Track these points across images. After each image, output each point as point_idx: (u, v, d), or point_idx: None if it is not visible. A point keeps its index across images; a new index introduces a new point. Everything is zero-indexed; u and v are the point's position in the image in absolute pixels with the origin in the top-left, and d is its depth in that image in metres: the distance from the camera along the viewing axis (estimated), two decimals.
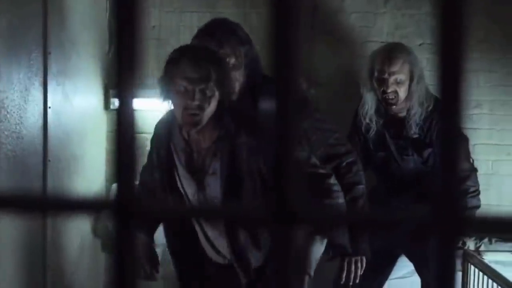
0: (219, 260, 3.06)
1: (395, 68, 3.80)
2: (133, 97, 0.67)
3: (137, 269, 3.09)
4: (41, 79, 3.30)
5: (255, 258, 2.94)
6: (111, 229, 0.69)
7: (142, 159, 3.15)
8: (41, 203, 0.73)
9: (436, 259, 0.65)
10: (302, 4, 0.64)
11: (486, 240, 4.31)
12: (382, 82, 3.82)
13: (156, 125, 3.11)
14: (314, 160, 3.02)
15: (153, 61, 4.49)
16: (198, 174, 2.94)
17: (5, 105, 2.89)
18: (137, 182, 0.68)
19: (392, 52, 3.85)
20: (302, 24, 0.64)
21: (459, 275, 3.99)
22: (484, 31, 4.56)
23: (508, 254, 4.22)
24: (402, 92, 3.82)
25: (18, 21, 3.04)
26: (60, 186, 3.59)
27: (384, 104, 3.87)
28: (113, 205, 0.68)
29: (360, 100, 3.98)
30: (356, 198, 3.27)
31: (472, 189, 3.83)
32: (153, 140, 3.11)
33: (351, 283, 3.23)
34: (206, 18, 3.45)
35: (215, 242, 3.02)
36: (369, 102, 3.91)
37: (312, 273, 3.04)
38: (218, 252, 3.04)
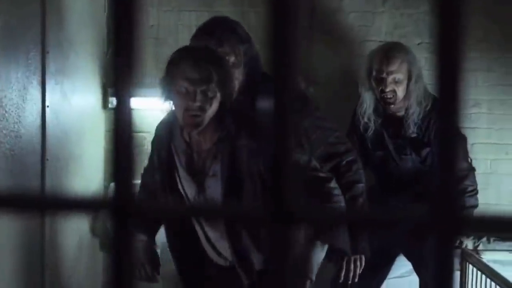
0: (221, 262, 3.05)
1: (393, 67, 3.80)
2: (130, 96, 0.67)
3: (138, 270, 3.08)
4: (39, 78, 3.30)
5: (257, 260, 2.93)
6: (109, 228, 0.69)
7: (140, 158, 3.15)
8: (39, 202, 0.73)
9: (434, 258, 0.65)
10: (300, 3, 0.64)
11: (484, 239, 4.31)
12: (380, 81, 3.82)
13: (157, 127, 3.10)
14: (314, 163, 3.01)
15: (151, 60, 4.49)
16: (198, 176, 2.92)
17: (3, 104, 2.88)
18: (135, 182, 0.68)
19: (390, 51, 3.85)
20: (300, 23, 0.64)
21: (457, 274, 3.99)
22: (483, 31, 4.56)
23: (506, 253, 4.23)
24: (400, 92, 3.82)
25: (16, 20, 3.03)
26: (58, 185, 3.58)
27: (382, 103, 3.88)
28: (111, 204, 0.68)
29: (359, 99, 3.99)
30: (356, 196, 3.27)
31: (470, 189, 3.84)
32: (154, 142, 3.09)
33: (350, 282, 3.23)
34: (204, 17, 3.44)
35: (216, 244, 3.01)
36: (367, 101, 3.91)
37: (313, 277, 3.04)
38: (219, 254, 3.02)
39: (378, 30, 4.71)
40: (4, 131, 2.90)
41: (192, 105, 2.75)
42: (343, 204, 3.03)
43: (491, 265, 3.71)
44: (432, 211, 0.64)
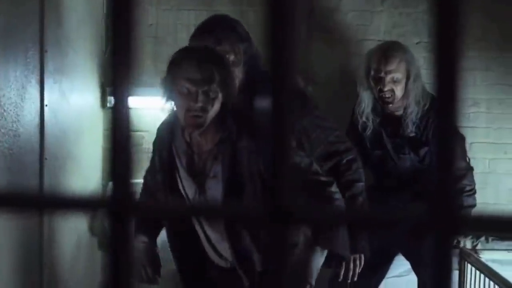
0: (222, 263, 3.04)
1: (391, 66, 3.80)
2: (128, 95, 0.67)
3: (139, 272, 3.06)
4: (37, 77, 3.30)
5: (258, 262, 2.92)
6: (107, 227, 0.69)
7: (138, 157, 3.14)
8: (37, 201, 0.73)
9: (433, 257, 0.65)
10: (298, 2, 0.64)
11: (483, 238, 4.31)
12: (379, 80, 3.82)
13: (159, 127, 3.09)
14: (315, 167, 3.01)
15: (150, 59, 4.49)
16: (199, 177, 2.91)
17: (2, 103, 2.88)
18: (133, 181, 0.68)
19: (388, 50, 3.85)
20: (298, 22, 0.64)
21: (456, 273, 4.00)
22: (481, 30, 4.56)
23: (504, 252, 4.23)
24: (399, 91, 3.82)
25: (15, 19, 3.03)
26: (56, 184, 3.58)
27: (380, 103, 3.88)
28: (108, 204, 0.68)
29: (357, 98, 3.99)
30: (356, 195, 3.27)
31: (468, 188, 3.84)
32: (155, 142, 3.09)
33: (349, 281, 3.23)
34: (203, 16, 3.44)
35: (217, 245, 3.00)
36: (366, 100, 3.91)
37: (313, 282, 3.04)
38: (220, 255, 3.02)
39: (377, 29, 4.71)
40: (3, 130, 2.90)
41: (194, 105, 2.74)
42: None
43: (490, 264, 3.71)
44: (430, 211, 0.64)
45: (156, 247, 3.12)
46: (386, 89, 3.81)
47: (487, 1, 4.59)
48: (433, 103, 3.76)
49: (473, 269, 3.83)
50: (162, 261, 3.15)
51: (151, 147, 3.14)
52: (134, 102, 0.72)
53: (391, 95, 3.82)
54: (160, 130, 3.08)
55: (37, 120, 3.30)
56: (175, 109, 2.84)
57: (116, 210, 0.67)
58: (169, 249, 3.11)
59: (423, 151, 3.88)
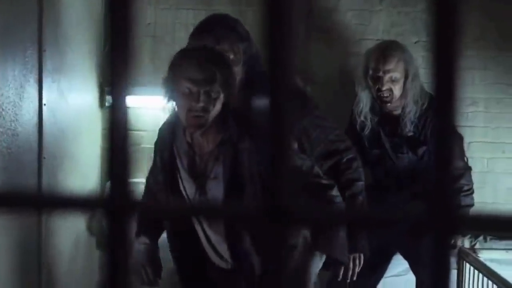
0: (222, 264, 3.04)
1: (389, 66, 3.80)
2: (126, 94, 0.67)
3: (139, 273, 3.05)
4: (36, 76, 3.30)
5: (258, 264, 2.91)
6: (105, 226, 0.69)
7: (136, 157, 3.14)
8: (35, 200, 0.73)
9: (431, 257, 0.65)
10: (296, 2, 0.64)
11: (481, 238, 4.31)
12: (377, 80, 3.82)
13: (160, 128, 3.09)
14: (317, 170, 3.01)
15: (148, 59, 4.49)
16: (200, 178, 2.91)
17: (0, 102, 2.88)
18: (131, 180, 0.68)
19: (386, 50, 3.85)
20: (297, 22, 0.64)
21: (454, 273, 4.00)
22: (479, 29, 4.56)
23: (503, 252, 4.23)
24: (397, 90, 3.82)
25: (13, 18, 3.03)
26: (55, 183, 3.58)
27: (379, 102, 3.88)
28: (106, 203, 0.68)
29: (356, 98, 3.98)
30: (356, 194, 3.27)
31: (465, 188, 3.84)
32: (157, 143, 3.08)
33: (348, 281, 3.23)
34: (202, 16, 3.43)
35: (217, 246, 2.99)
36: (364, 100, 3.91)
37: (311, 287, 3.05)
38: (221, 256, 3.01)
39: (375, 29, 4.71)
40: (1, 129, 2.90)
41: (195, 105, 2.74)
42: None
43: (488, 263, 3.71)
44: (429, 210, 0.64)
45: (157, 248, 3.11)
46: (384, 88, 3.81)
47: (485, 0, 4.59)
48: (431, 102, 3.76)
49: (472, 268, 3.83)
50: (161, 261, 3.14)
51: (151, 147, 3.14)
52: (132, 101, 0.71)
53: (390, 95, 3.82)
54: (161, 130, 3.07)
55: (35, 119, 3.30)
56: (176, 109, 2.83)
57: (114, 209, 0.67)
58: (168, 249, 3.10)
59: (421, 150, 3.88)
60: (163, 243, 3.15)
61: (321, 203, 2.95)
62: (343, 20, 4.71)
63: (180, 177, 2.95)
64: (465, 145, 4.17)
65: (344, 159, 3.29)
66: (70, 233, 3.98)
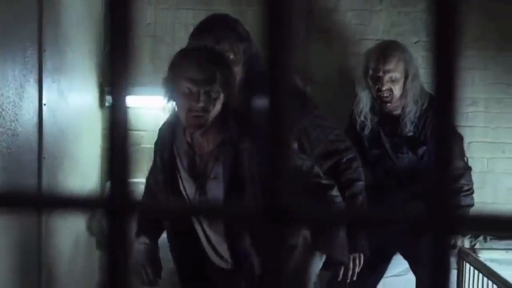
0: (223, 264, 3.04)
1: (389, 66, 3.80)
2: (126, 94, 0.67)
3: (139, 273, 3.05)
4: (36, 76, 3.30)
5: (258, 266, 2.91)
6: (105, 226, 0.69)
7: (136, 157, 3.14)
8: (35, 200, 0.73)
9: (431, 257, 0.65)
10: (296, 2, 0.64)
11: (481, 238, 4.31)
12: (377, 80, 3.82)
13: (160, 128, 3.08)
14: (317, 170, 3.01)
15: (148, 59, 4.49)
16: (200, 178, 2.91)
17: (0, 102, 2.88)
18: (131, 180, 0.68)
19: (386, 50, 3.85)
20: (297, 22, 0.64)
21: (454, 273, 4.00)
22: (479, 29, 4.56)
23: (503, 252, 4.23)
24: (397, 90, 3.82)
25: (13, 18, 3.03)
26: (55, 183, 3.58)
27: (379, 102, 3.88)
28: (106, 203, 0.68)
29: (356, 98, 3.98)
30: (356, 194, 3.27)
31: (465, 188, 3.83)
32: (157, 143, 3.08)
33: (348, 281, 3.24)
34: (202, 16, 3.43)
35: (217, 247, 2.99)
36: (364, 100, 3.91)
37: (312, 287, 3.05)
38: (221, 257, 3.01)
39: (375, 29, 4.71)
40: (1, 129, 2.90)
41: (196, 105, 2.74)
42: None
43: (488, 263, 3.71)
44: (429, 210, 0.64)
45: (157, 248, 3.11)
46: (384, 88, 3.81)
47: (485, 0, 4.59)
48: (431, 102, 3.76)
49: (472, 268, 3.83)
50: (161, 261, 3.14)
51: (151, 147, 3.14)
52: (132, 101, 0.71)
53: (389, 95, 3.82)
54: (161, 130, 3.07)
55: (35, 119, 3.30)
56: (176, 109, 2.83)
57: (114, 209, 0.67)
58: (168, 249, 3.10)
59: (421, 150, 3.88)
60: (163, 243, 3.15)
61: (321, 203, 2.95)
62: (343, 20, 4.71)
63: (180, 177, 2.95)
64: (465, 145, 4.17)
65: (344, 159, 3.29)
66: (70, 233, 3.98)
